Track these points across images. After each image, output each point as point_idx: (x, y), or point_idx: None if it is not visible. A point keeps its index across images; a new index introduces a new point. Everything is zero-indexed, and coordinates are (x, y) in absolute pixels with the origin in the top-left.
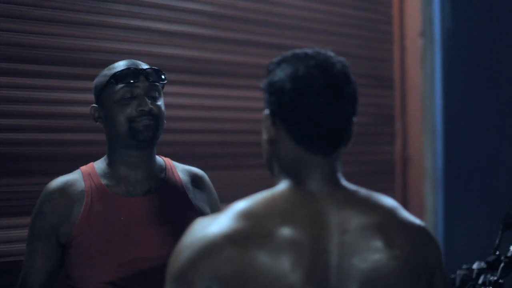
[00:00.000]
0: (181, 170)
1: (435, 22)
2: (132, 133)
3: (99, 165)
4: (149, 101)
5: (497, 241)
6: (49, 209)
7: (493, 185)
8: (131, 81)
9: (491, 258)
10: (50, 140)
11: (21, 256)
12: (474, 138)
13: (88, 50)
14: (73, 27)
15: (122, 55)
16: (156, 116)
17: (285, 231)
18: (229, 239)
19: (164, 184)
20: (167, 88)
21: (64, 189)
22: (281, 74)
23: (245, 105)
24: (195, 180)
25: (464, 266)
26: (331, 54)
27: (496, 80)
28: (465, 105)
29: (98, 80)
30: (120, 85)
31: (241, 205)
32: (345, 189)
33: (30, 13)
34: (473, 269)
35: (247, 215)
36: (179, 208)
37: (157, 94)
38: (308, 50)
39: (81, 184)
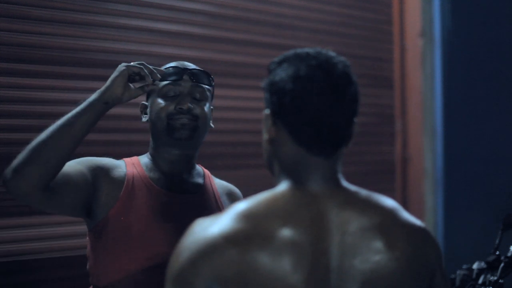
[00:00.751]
0: (217, 182)
1: (435, 22)
2: (169, 130)
3: (143, 158)
4: (190, 102)
5: (497, 241)
6: (96, 160)
7: (493, 185)
8: (175, 79)
9: (491, 258)
10: None
11: (21, 256)
12: (474, 138)
13: (88, 50)
14: (73, 27)
15: (122, 55)
16: (196, 117)
17: (286, 232)
18: (229, 240)
19: (202, 189)
20: None
21: (110, 161)
22: (282, 74)
23: (245, 105)
24: (229, 194)
25: (464, 266)
26: (332, 54)
27: (496, 80)
28: (465, 105)
29: None
30: (165, 82)
31: (242, 206)
32: (345, 190)
33: (30, 13)
34: (473, 269)
35: (247, 216)
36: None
37: (199, 96)
38: (310, 50)
39: (123, 170)
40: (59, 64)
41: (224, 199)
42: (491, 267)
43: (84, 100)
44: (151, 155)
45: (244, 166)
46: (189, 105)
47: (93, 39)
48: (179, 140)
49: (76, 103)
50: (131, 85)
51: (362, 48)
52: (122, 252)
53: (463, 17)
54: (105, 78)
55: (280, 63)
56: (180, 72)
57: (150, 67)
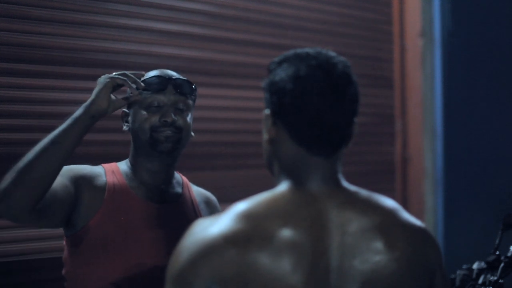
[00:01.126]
0: (195, 190)
1: (435, 22)
2: (153, 143)
3: (122, 166)
4: (173, 113)
5: (497, 241)
6: (77, 170)
7: (493, 185)
8: (159, 89)
9: (491, 258)
10: None
11: (21, 256)
12: (474, 138)
13: (88, 50)
14: (73, 27)
15: (122, 55)
16: (179, 129)
17: (286, 233)
18: (229, 240)
19: (180, 198)
20: None
21: (90, 169)
22: (282, 74)
23: (245, 105)
24: (207, 202)
25: (464, 266)
26: (332, 54)
27: (496, 80)
28: (465, 105)
29: None
30: (148, 92)
31: (242, 206)
32: (345, 190)
33: (30, 13)
34: (473, 269)
35: (247, 216)
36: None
37: (182, 106)
38: (310, 50)
39: (103, 178)
40: (59, 64)
41: (202, 207)
42: (491, 267)
43: (71, 114)
44: (131, 163)
45: (244, 166)
46: (173, 117)
47: (93, 39)
48: (162, 152)
49: (76, 103)
50: (113, 96)
51: (362, 48)
52: (102, 261)
53: (463, 17)
54: None
55: (280, 63)
56: (164, 82)
57: (133, 76)
